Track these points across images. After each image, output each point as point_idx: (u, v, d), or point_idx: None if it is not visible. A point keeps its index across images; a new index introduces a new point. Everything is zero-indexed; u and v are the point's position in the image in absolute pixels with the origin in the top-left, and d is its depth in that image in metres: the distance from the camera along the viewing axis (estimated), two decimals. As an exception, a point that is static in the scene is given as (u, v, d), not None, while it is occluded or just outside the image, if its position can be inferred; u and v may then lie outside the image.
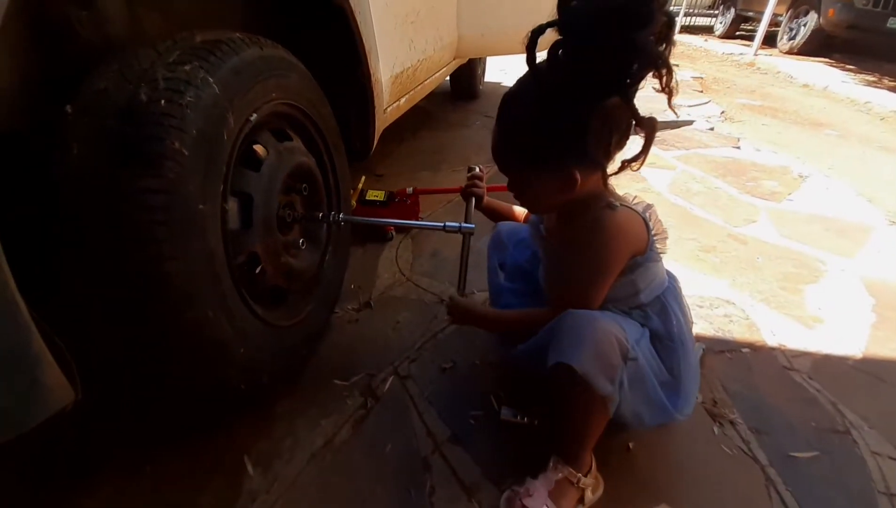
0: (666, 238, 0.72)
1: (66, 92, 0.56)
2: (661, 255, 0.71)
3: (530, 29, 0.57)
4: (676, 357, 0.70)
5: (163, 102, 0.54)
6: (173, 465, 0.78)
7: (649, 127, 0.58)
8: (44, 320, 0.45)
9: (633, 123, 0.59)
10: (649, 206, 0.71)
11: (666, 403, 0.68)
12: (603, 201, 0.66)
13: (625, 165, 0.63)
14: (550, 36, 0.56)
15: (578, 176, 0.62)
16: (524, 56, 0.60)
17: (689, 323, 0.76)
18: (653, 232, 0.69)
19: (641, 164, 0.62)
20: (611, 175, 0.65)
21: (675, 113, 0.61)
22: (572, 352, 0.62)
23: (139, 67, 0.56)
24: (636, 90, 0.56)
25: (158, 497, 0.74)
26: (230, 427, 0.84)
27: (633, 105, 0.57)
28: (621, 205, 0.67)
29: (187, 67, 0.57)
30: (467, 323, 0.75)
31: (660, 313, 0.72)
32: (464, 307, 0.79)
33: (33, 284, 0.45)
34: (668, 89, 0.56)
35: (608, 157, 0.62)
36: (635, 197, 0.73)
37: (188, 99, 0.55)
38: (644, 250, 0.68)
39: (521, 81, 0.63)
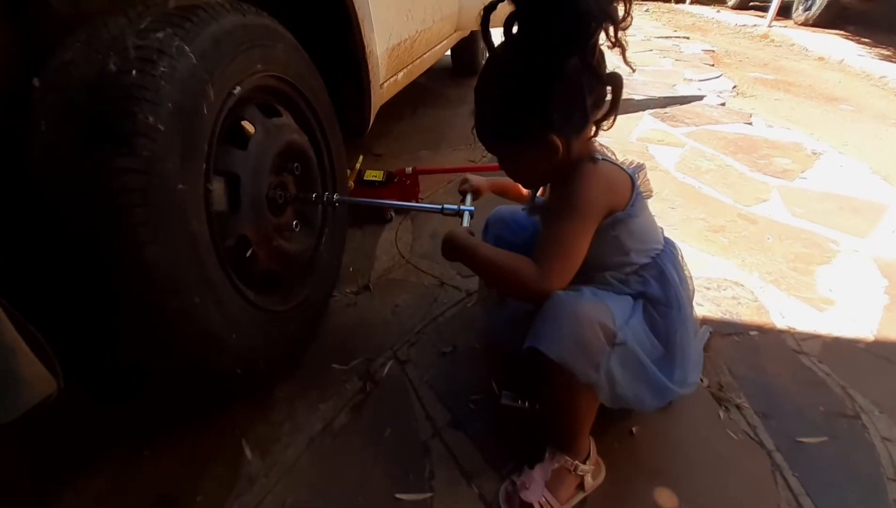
0: (650, 197, 0.70)
1: (37, 68, 0.52)
2: (649, 198, 0.70)
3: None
4: (674, 324, 0.68)
5: (134, 72, 0.50)
6: (172, 450, 0.78)
7: (614, 83, 0.58)
8: (17, 310, 0.43)
9: (601, 81, 0.58)
10: (640, 166, 0.70)
11: (665, 382, 0.66)
12: (587, 158, 0.65)
13: (597, 125, 0.63)
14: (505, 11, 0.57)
15: (559, 142, 0.60)
16: None
17: (688, 291, 0.74)
18: (638, 189, 0.67)
19: (612, 122, 0.62)
20: (590, 138, 0.65)
21: (631, 67, 0.59)
22: (548, 340, 0.60)
23: (108, 36, 0.52)
24: (594, 47, 0.56)
25: (157, 481, 0.74)
26: (228, 412, 0.84)
27: (592, 63, 0.56)
28: (603, 159, 0.66)
29: (160, 35, 0.53)
30: (456, 260, 0.69)
31: (658, 278, 0.69)
32: (450, 243, 0.68)
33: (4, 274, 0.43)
34: (619, 44, 0.56)
35: (586, 120, 0.62)
36: (632, 162, 0.71)
37: (162, 70, 0.51)
38: (624, 205, 0.66)
39: (486, 62, 0.63)
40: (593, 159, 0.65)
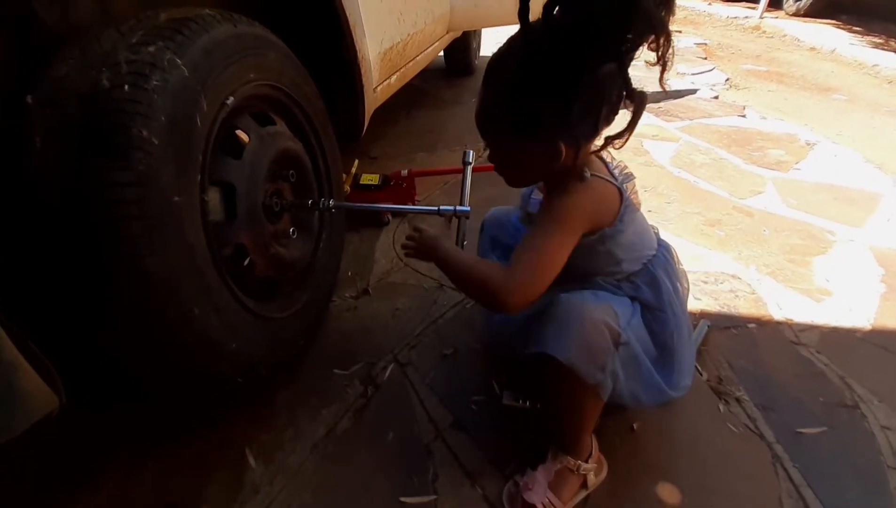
0: (637, 209, 0.69)
1: (30, 83, 0.53)
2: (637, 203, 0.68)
3: None
4: (669, 328, 0.68)
5: (126, 87, 0.50)
6: (175, 459, 0.78)
7: (639, 101, 0.54)
8: (17, 322, 0.43)
9: (624, 95, 0.55)
10: (629, 176, 0.68)
11: (661, 383, 0.66)
12: (578, 173, 0.62)
13: (608, 141, 0.59)
14: None
15: (563, 149, 0.57)
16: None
17: (683, 293, 0.74)
18: (627, 201, 0.64)
19: (625, 141, 0.58)
20: (593, 152, 0.61)
21: (664, 89, 0.56)
22: (556, 342, 0.60)
23: (100, 51, 0.52)
24: (632, 58, 0.52)
25: (161, 490, 0.74)
26: (231, 420, 0.84)
27: (627, 74, 0.53)
28: (593, 175, 0.63)
29: (152, 49, 0.53)
30: (426, 259, 0.68)
31: (650, 283, 0.69)
32: (429, 241, 0.68)
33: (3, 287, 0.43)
34: (663, 61, 0.52)
35: (596, 131, 0.58)
36: (625, 167, 0.69)
37: (154, 83, 0.51)
38: (612, 221, 0.63)
39: (510, 42, 0.57)
40: (582, 178, 0.62)
